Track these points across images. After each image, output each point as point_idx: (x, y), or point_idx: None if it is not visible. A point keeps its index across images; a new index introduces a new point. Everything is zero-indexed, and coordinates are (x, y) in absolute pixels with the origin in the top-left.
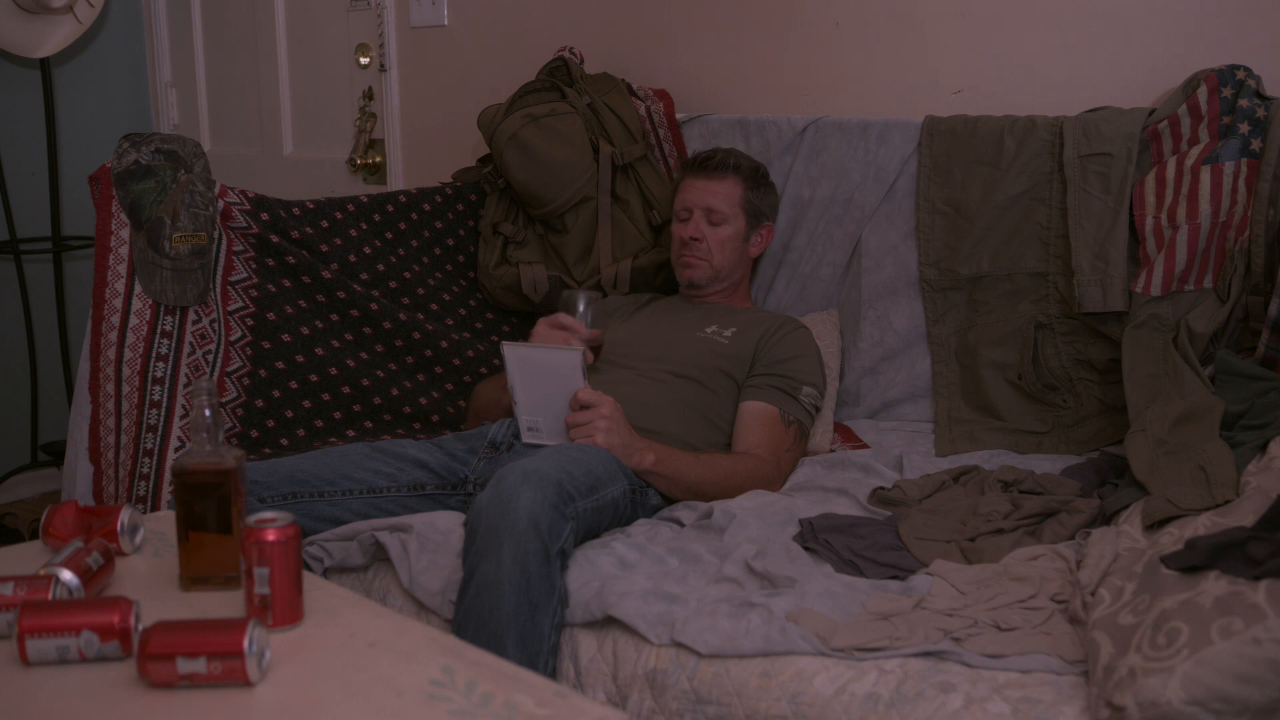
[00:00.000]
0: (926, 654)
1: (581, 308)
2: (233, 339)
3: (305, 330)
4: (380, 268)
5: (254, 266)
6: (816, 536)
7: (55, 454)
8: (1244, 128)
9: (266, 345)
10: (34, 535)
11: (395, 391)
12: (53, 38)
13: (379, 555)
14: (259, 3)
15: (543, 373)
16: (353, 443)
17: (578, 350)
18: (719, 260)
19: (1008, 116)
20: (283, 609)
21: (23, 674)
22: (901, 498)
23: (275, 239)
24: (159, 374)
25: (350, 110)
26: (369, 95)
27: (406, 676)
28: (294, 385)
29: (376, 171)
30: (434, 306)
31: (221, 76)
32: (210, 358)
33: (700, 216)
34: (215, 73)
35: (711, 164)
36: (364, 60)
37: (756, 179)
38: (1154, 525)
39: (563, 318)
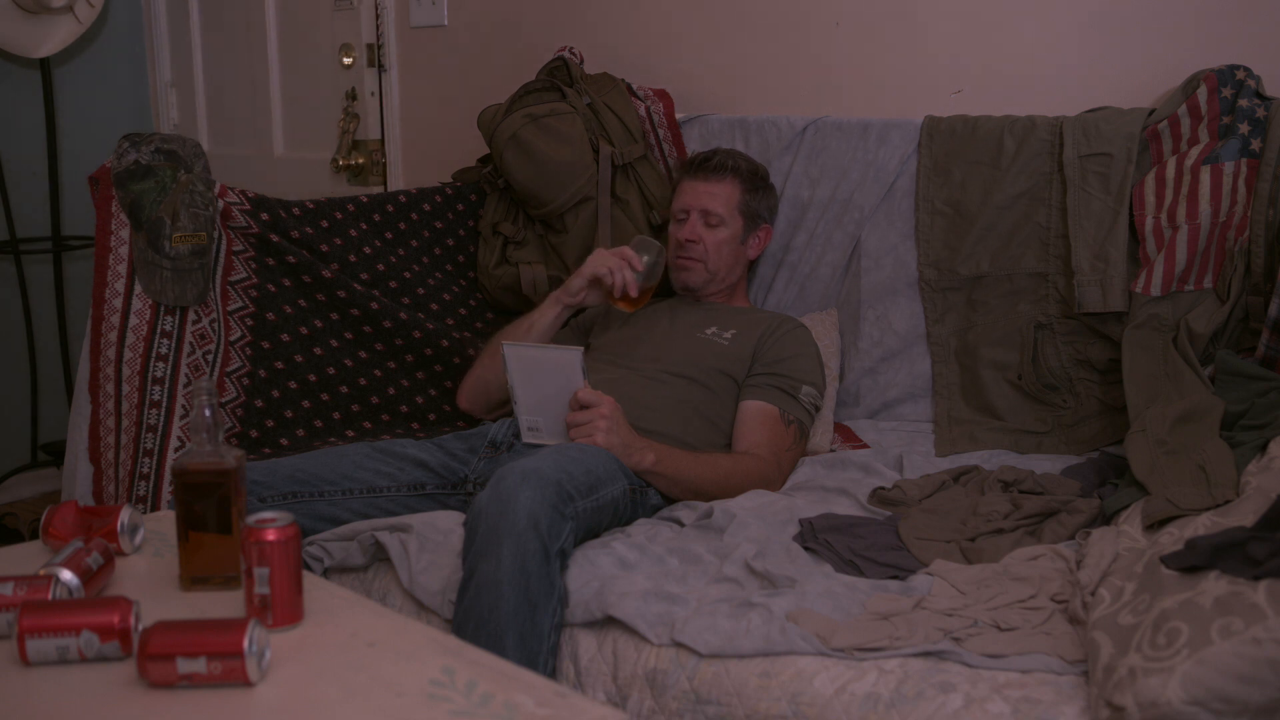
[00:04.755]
0: (926, 654)
1: (647, 257)
2: (232, 339)
3: (304, 330)
4: (380, 267)
5: (254, 266)
6: (816, 536)
7: (55, 454)
8: (1244, 128)
9: (266, 345)
10: (34, 535)
11: (393, 391)
12: (53, 38)
13: (379, 555)
14: (252, 3)
15: (543, 372)
16: (352, 443)
17: (578, 350)
18: (715, 263)
19: (1008, 116)
20: (283, 609)
21: (23, 674)
22: (901, 498)
23: (275, 239)
24: (159, 374)
25: (339, 111)
26: (352, 95)
27: (406, 676)
28: (293, 385)
29: (360, 173)
30: (434, 306)
31: (218, 77)
32: (210, 358)
33: (697, 219)
34: (212, 73)
35: (709, 166)
36: (347, 60)
37: (755, 181)
38: (1154, 525)
39: (624, 249)
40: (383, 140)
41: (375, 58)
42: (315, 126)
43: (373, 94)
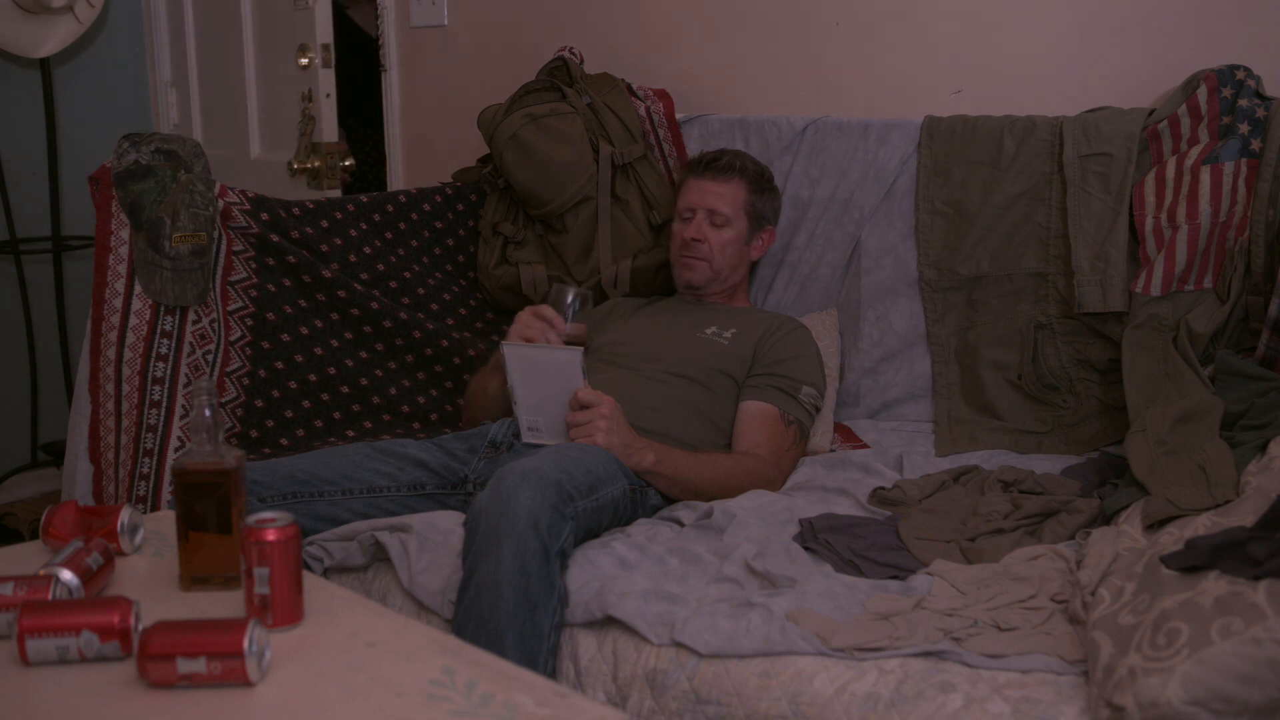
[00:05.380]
0: (926, 654)
1: (568, 302)
2: (232, 339)
3: (305, 330)
4: (380, 267)
5: (254, 266)
6: (816, 536)
7: (55, 454)
8: (1244, 128)
9: (266, 345)
10: (34, 535)
11: (394, 391)
12: (53, 38)
13: (379, 555)
14: (231, 4)
15: (543, 372)
16: (352, 442)
17: (578, 350)
18: (719, 262)
19: (1008, 116)
20: (283, 609)
21: (23, 674)
22: (901, 498)
23: (275, 239)
24: (159, 374)
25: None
26: (308, 97)
27: (406, 676)
28: (293, 385)
29: (317, 177)
30: (434, 306)
31: (209, 78)
32: (210, 358)
33: (703, 218)
34: (205, 74)
35: (717, 166)
36: (303, 61)
37: (761, 183)
38: (1154, 525)
39: (544, 309)
40: (321, 143)
41: (330, 58)
42: (287, 129)
43: (328, 95)
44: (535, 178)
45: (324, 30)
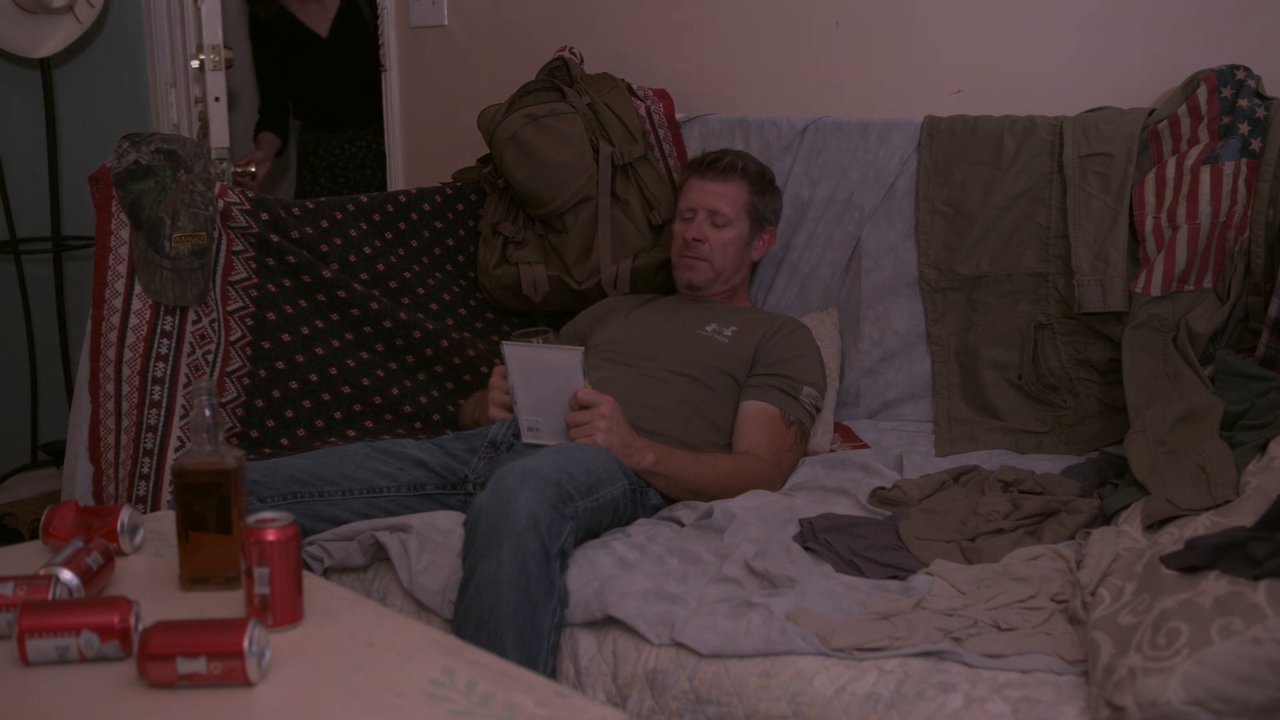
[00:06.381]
0: (926, 654)
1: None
2: (233, 339)
3: (305, 330)
4: (380, 267)
5: (254, 266)
6: (816, 536)
7: (55, 454)
8: (1244, 128)
9: (266, 345)
10: (34, 535)
11: (395, 391)
12: (53, 38)
13: (379, 555)
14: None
15: (543, 373)
16: (353, 442)
17: (578, 350)
18: (720, 263)
19: (1008, 116)
20: (283, 609)
21: (23, 674)
22: (901, 498)
23: (275, 239)
24: (159, 374)
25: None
26: (201, 100)
27: (406, 676)
28: (294, 385)
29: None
30: (434, 306)
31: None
32: (210, 358)
33: (704, 218)
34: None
35: (719, 166)
36: (194, 64)
37: (763, 183)
38: (1154, 525)
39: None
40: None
41: (220, 61)
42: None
43: (217, 99)
44: (535, 178)
45: (212, 31)
